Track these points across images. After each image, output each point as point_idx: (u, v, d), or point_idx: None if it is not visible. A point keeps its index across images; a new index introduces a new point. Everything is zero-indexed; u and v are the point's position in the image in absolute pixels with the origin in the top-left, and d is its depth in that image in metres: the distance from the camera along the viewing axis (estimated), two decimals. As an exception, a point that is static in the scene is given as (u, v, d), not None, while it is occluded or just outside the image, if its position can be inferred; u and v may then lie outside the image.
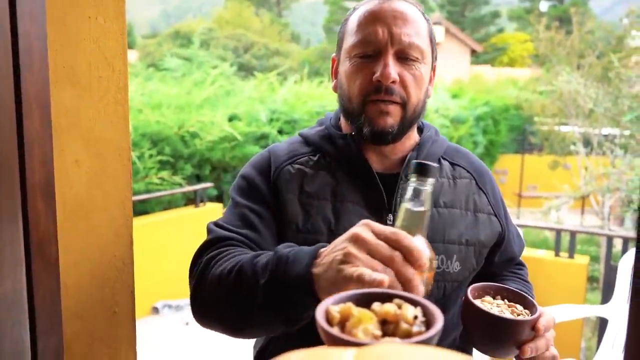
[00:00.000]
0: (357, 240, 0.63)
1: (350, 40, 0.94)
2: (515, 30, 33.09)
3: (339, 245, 0.66)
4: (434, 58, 1.00)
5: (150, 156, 4.47)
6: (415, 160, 0.69)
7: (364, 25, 0.92)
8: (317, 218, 0.93)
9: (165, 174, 4.51)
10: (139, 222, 4.27)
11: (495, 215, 1.02)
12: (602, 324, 3.23)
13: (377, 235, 0.62)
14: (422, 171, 0.65)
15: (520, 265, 1.13)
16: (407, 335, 0.44)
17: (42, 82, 0.82)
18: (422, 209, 0.65)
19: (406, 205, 0.65)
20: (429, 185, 0.65)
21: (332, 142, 1.00)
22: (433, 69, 1.01)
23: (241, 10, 27.62)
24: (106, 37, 0.96)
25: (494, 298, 0.86)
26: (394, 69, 0.89)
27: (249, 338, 0.90)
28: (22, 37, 0.77)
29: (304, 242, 0.88)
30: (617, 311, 2.80)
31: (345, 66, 0.95)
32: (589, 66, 7.56)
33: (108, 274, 1.02)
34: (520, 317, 0.81)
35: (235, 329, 0.84)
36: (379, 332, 0.45)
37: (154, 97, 5.14)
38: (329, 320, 0.46)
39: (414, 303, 0.48)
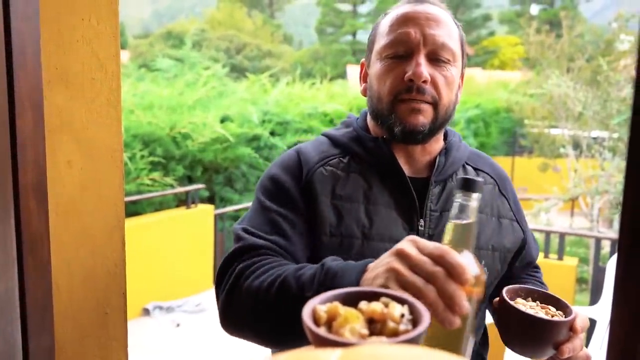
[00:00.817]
0: (401, 256, 0.64)
1: (381, 41, 0.95)
2: (506, 33, 33.30)
3: (384, 260, 0.66)
4: (464, 64, 1.00)
5: (142, 157, 4.46)
6: (461, 176, 0.71)
7: (396, 27, 0.93)
8: (351, 222, 0.91)
9: (156, 175, 4.50)
10: (130, 223, 4.26)
11: (517, 221, 1.02)
12: (590, 324, 3.26)
13: (421, 250, 0.63)
14: (467, 186, 0.65)
15: (536, 268, 1.13)
16: (394, 334, 0.44)
17: (35, 82, 0.82)
18: (468, 222, 0.65)
19: (453, 220, 0.65)
20: (474, 200, 0.65)
21: (362, 144, 0.98)
22: (462, 75, 1.00)
23: (233, 11, 27.61)
24: (99, 38, 0.97)
25: (525, 300, 0.87)
26: (425, 69, 0.89)
27: (285, 349, 0.82)
28: (16, 37, 0.78)
29: (337, 246, 0.90)
30: (606, 312, 2.84)
31: (376, 67, 0.95)
32: (578, 69, 7.64)
33: (100, 275, 1.02)
34: (559, 318, 0.82)
35: (274, 341, 0.84)
36: (366, 332, 0.45)
37: (145, 97, 5.12)
38: (316, 319, 0.46)
39: (401, 301, 0.48)
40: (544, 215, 7.11)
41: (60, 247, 0.95)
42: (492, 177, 1.03)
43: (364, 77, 1.03)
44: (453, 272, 0.58)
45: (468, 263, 0.61)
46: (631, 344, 0.37)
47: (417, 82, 0.89)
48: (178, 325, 4.15)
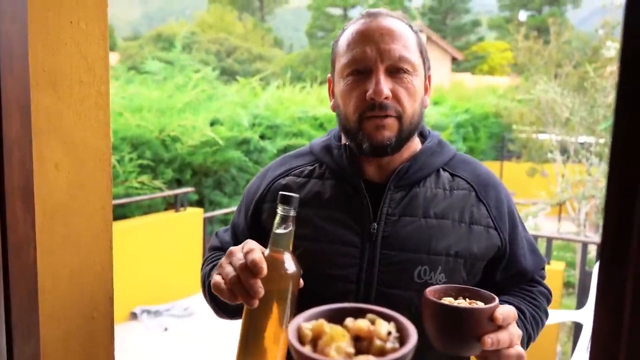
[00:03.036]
0: (229, 254, 0.82)
1: (341, 60, 0.97)
2: (495, 39, 33.62)
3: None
4: (427, 68, 1.01)
5: (131, 160, 4.43)
6: (280, 192, 0.80)
7: (352, 45, 0.95)
8: (303, 224, 0.95)
9: (145, 178, 4.47)
10: (118, 227, 4.22)
11: (496, 229, 0.99)
12: (577, 328, 3.29)
13: (243, 251, 0.80)
14: (284, 201, 0.80)
15: (535, 282, 1.08)
16: (381, 352, 0.44)
17: (22, 85, 0.81)
18: (287, 231, 0.80)
19: (275, 229, 0.81)
20: (292, 212, 0.80)
21: (330, 151, 1.03)
22: (427, 78, 1.02)
23: (224, 14, 27.58)
24: (88, 41, 0.96)
25: (455, 299, 0.84)
26: (385, 85, 0.91)
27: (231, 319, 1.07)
28: (3, 39, 0.77)
29: None
30: (592, 316, 2.86)
31: (340, 86, 0.98)
32: (565, 75, 7.72)
33: (87, 278, 1.02)
34: (472, 306, 0.80)
35: (222, 316, 1.07)
36: (352, 350, 0.44)
37: (134, 100, 5.10)
38: (301, 338, 0.45)
39: (388, 318, 0.47)
40: (531, 220, 7.17)
41: (47, 251, 0.94)
42: (469, 183, 1.01)
43: (332, 93, 1.05)
44: (251, 266, 0.76)
45: (285, 261, 0.79)
46: (613, 348, 0.38)
47: (379, 100, 0.91)
48: (166, 329, 4.13)
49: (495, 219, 1.00)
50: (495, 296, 0.82)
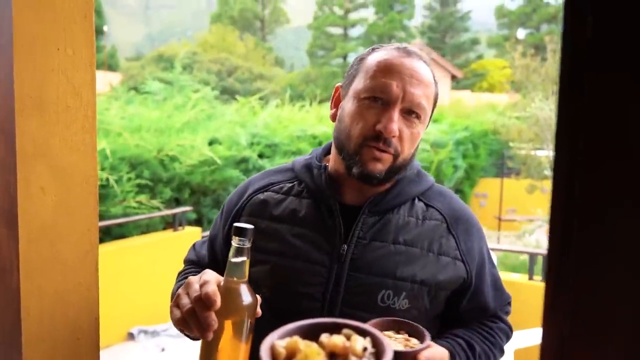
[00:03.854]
0: (186, 285, 0.84)
1: (362, 81, 0.97)
2: (494, 56, 33.89)
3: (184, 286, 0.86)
4: (430, 118, 1.04)
5: (129, 179, 4.45)
6: (235, 224, 0.81)
7: (380, 73, 0.95)
8: (274, 240, 1.00)
9: (143, 197, 4.49)
10: (116, 246, 4.23)
11: (463, 261, 1.01)
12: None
13: (201, 283, 0.81)
14: (239, 232, 0.81)
15: (496, 318, 1.09)
16: None
17: (7, 110, 0.84)
18: (242, 260, 0.81)
19: (231, 259, 0.81)
20: (247, 243, 0.81)
21: (310, 171, 1.06)
22: (426, 126, 1.05)
23: (225, 34, 27.89)
24: (75, 67, 0.99)
25: (397, 332, 0.85)
26: (396, 125, 0.93)
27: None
28: (-11, 68, 0.79)
29: (254, 260, 0.98)
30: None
31: (350, 104, 0.98)
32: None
33: (72, 300, 1.02)
34: (402, 347, 0.80)
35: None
36: None
37: (134, 120, 5.14)
38: (275, 356, 0.44)
39: (363, 333, 0.47)
40: (529, 237, 7.15)
41: (32, 273, 0.95)
42: (441, 215, 1.03)
43: (335, 102, 1.06)
44: (205, 299, 0.77)
45: (241, 292, 0.81)
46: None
47: (386, 135, 0.93)
48: (163, 349, 4.10)
49: (463, 252, 1.01)
50: (428, 336, 0.82)
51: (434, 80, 1.01)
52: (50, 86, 0.96)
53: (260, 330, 1.00)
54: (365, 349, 0.45)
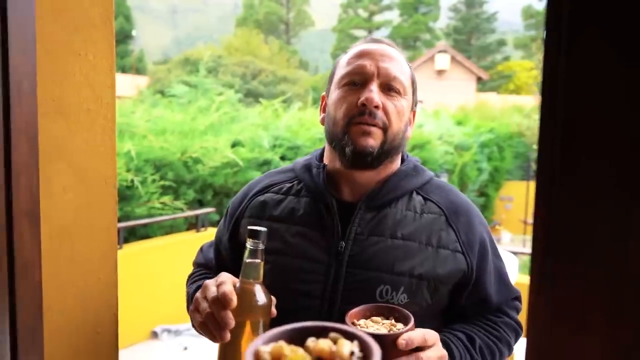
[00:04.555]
0: (203, 288, 0.87)
1: (339, 73, 1.04)
2: (521, 58, 33.38)
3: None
4: (414, 103, 1.07)
5: (153, 181, 4.54)
6: (249, 227, 0.84)
7: (353, 60, 1.03)
8: (275, 239, 1.02)
9: (167, 198, 4.57)
10: (140, 247, 4.31)
11: (463, 254, 1.00)
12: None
13: (216, 284, 0.85)
14: (253, 235, 0.84)
15: (501, 313, 1.07)
16: None
17: (30, 114, 0.87)
18: (257, 262, 0.84)
19: (246, 260, 0.84)
20: (261, 245, 0.84)
21: (309, 170, 1.08)
22: (413, 113, 1.07)
23: (250, 37, 28.16)
24: (95, 72, 1.03)
25: (387, 318, 0.85)
26: (377, 96, 0.97)
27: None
28: (13, 72, 0.83)
29: None
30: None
31: (334, 95, 1.04)
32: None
33: (92, 296, 1.06)
34: (385, 332, 0.80)
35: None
36: None
37: (158, 123, 5.24)
38: None
39: (351, 336, 0.46)
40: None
41: (54, 270, 0.99)
42: (440, 208, 1.03)
43: (323, 108, 1.11)
44: (222, 298, 0.80)
45: (256, 293, 0.83)
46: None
47: (370, 107, 0.96)
48: (186, 348, 4.17)
49: (464, 245, 1.01)
50: (411, 320, 0.82)
51: (408, 64, 1.07)
52: (72, 90, 1.00)
53: None
54: (352, 353, 0.44)
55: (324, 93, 1.12)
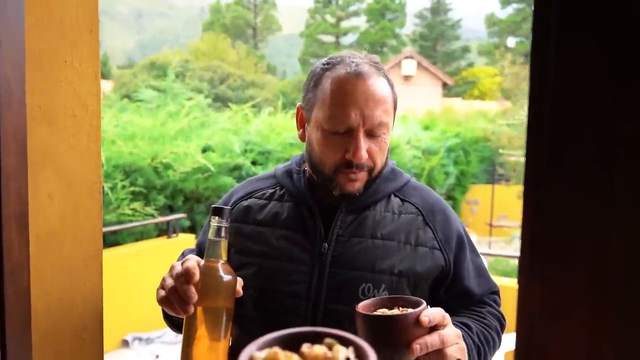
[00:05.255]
0: (170, 268, 0.91)
1: (322, 112, 1.00)
2: (485, 64, 34.18)
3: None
4: (394, 119, 1.08)
5: (123, 187, 4.48)
6: (213, 205, 0.88)
7: (336, 102, 0.98)
8: (259, 242, 1.06)
9: (137, 204, 4.51)
10: (110, 254, 4.24)
11: (441, 250, 1.05)
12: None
13: (182, 262, 0.88)
14: (217, 212, 0.87)
15: (483, 303, 1.11)
16: None
17: (19, 122, 0.88)
18: (220, 240, 0.87)
19: (210, 238, 0.88)
20: (224, 223, 0.87)
21: (290, 176, 1.12)
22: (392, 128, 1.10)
23: (217, 42, 27.93)
24: (81, 79, 1.04)
25: (390, 309, 0.85)
26: (364, 148, 0.97)
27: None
28: (3, 80, 0.84)
29: (237, 264, 1.06)
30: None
31: (315, 134, 1.02)
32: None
33: (77, 301, 1.07)
34: (396, 312, 0.80)
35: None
36: None
37: (127, 128, 5.17)
38: None
39: (346, 342, 0.45)
40: (518, 242, 7.22)
41: (40, 275, 0.99)
42: (417, 208, 1.08)
43: (300, 122, 1.10)
44: (184, 273, 0.84)
45: (219, 270, 0.86)
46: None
47: (357, 163, 0.98)
48: (157, 356, 4.12)
49: (441, 241, 1.06)
50: (423, 300, 0.82)
51: (390, 85, 1.03)
52: (59, 97, 1.01)
53: (247, 330, 1.06)
54: (348, 359, 0.43)
55: (299, 104, 1.10)
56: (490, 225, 11.32)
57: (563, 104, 0.38)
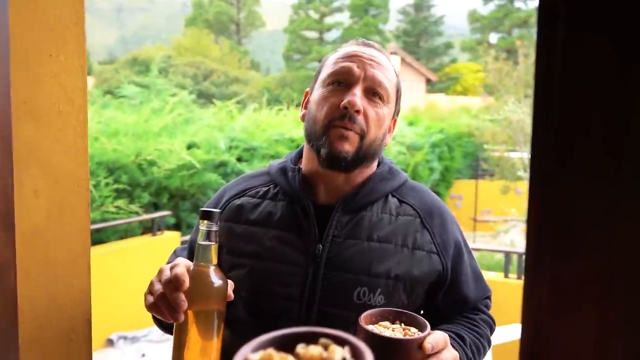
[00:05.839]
0: (159, 272, 0.89)
1: (326, 72, 1.03)
2: (468, 60, 34.43)
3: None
4: (397, 111, 1.08)
5: (107, 184, 4.42)
6: (201, 209, 0.85)
7: (341, 60, 1.02)
8: (252, 243, 1.03)
9: (121, 202, 4.46)
10: (94, 252, 4.17)
11: (438, 254, 1.03)
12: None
13: (171, 267, 0.85)
14: (206, 216, 0.85)
15: (477, 310, 1.10)
16: None
17: (3, 117, 0.86)
18: (210, 244, 0.85)
19: (200, 242, 0.85)
20: (214, 227, 0.85)
21: (285, 173, 1.08)
22: (394, 120, 1.08)
23: (200, 37, 27.68)
24: (67, 73, 1.01)
25: (392, 323, 0.84)
26: (360, 100, 0.97)
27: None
28: (-14, 74, 0.82)
29: (230, 265, 1.03)
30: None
31: (317, 93, 1.03)
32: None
33: (65, 301, 1.04)
34: (406, 336, 0.80)
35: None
36: None
37: (111, 125, 5.10)
38: None
39: (342, 342, 0.44)
40: (504, 236, 7.31)
41: (26, 275, 0.97)
42: (415, 210, 1.05)
43: (305, 105, 1.10)
44: (174, 280, 0.81)
45: (210, 275, 0.84)
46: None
47: (351, 111, 0.97)
48: (143, 355, 4.08)
49: (439, 245, 1.03)
50: (427, 324, 0.82)
51: (395, 72, 1.06)
52: (44, 92, 0.98)
53: (240, 332, 1.02)
54: (344, 359, 0.42)
55: (307, 89, 1.11)
56: (475, 220, 11.42)
57: (569, 99, 0.37)
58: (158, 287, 0.85)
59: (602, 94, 0.36)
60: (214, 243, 0.85)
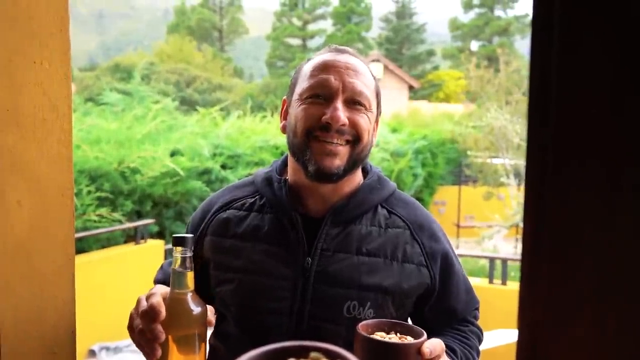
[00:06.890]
0: (137, 303, 0.88)
1: (303, 84, 1.00)
2: (450, 67, 34.79)
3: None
4: (378, 113, 1.07)
5: (89, 193, 4.35)
6: (174, 235, 0.84)
7: (317, 72, 0.99)
8: (239, 257, 1.01)
9: (104, 210, 4.39)
10: (76, 261, 4.11)
11: (427, 267, 1.02)
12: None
13: (147, 296, 0.84)
14: (179, 242, 0.83)
15: (467, 322, 1.10)
16: None
17: (-14, 125, 0.83)
18: (186, 271, 0.83)
19: (173, 269, 0.84)
20: (188, 252, 0.84)
21: (270, 184, 1.06)
22: (376, 123, 1.07)
23: (183, 44, 27.55)
24: (51, 80, 0.99)
25: (387, 333, 0.85)
26: (343, 113, 0.95)
27: None
28: (-33, 82, 0.80)
29: (218, 280, 1.02)
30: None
31: (296, 107, 1.00)
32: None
33: (48, 314, 1.02)
34: (401, 341, 0.81)
35: None
36: None
37: (92, 132, 5.03)
38: None
39: (332, 355, 0.44)
40: (488, 242, 7.38)
41: (8, 287, 0.94)
42: (404, 222, 1.04)
43: (284, 115, 1.08)
44: (149, 311, 0.80)
45: (188, 302, 0.82)
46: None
47: (335, 126, 0.94)
48: (126, 366, 4.01)
49: (428, 258, 1.03)
50: (424, 331, 0.83)
51: (373, 75, 1.05)
52: (27, 99, 0.96)
53: (230, 347, 1.01)
54: None
55: (284, 97, 1.09)
56: (458, 225, 11.50)
57: (565, 104, 0.37)
58: (137, 322, 0.84)
59: (598, 100, 0.36)
60: (189, 270, 0.84)
